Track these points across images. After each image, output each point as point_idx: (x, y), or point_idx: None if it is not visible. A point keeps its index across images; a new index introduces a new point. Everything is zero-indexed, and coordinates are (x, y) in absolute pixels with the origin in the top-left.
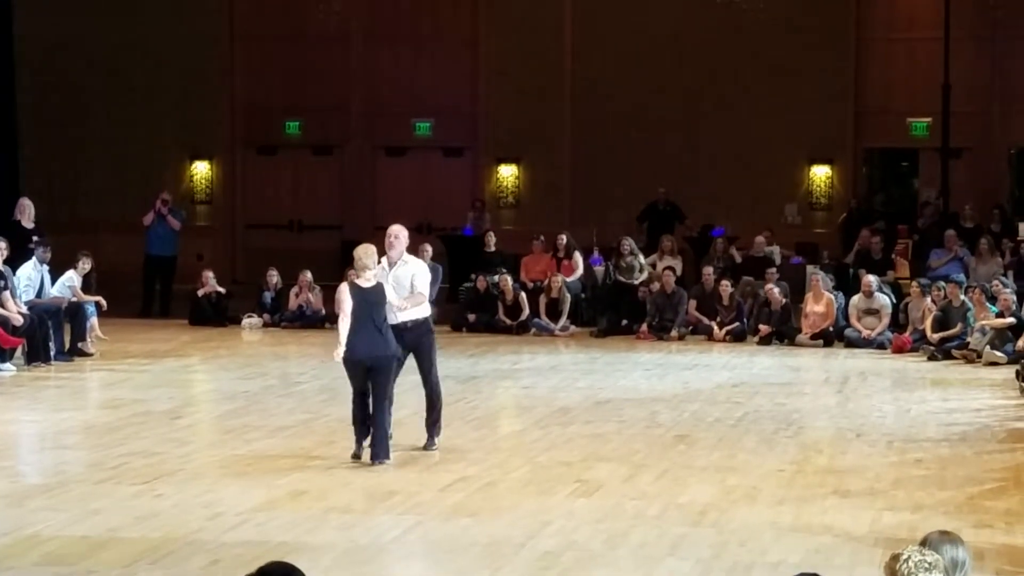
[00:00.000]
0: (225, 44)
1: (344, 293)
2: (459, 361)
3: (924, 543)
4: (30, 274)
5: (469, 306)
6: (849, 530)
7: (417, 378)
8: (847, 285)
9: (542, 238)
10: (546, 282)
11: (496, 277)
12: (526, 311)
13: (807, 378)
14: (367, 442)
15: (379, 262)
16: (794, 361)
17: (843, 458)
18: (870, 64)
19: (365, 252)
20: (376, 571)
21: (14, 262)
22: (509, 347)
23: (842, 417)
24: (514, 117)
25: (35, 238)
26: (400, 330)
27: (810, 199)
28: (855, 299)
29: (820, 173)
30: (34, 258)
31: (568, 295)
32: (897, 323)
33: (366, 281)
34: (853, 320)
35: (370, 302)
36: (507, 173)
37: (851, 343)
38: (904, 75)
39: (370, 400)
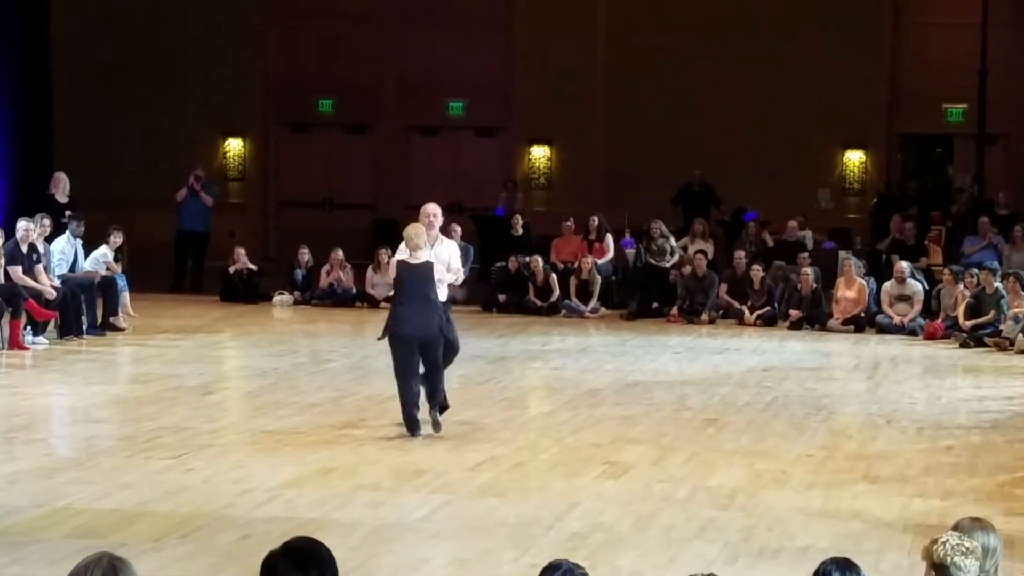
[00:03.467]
0: (259, 22)
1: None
2: (489, 341)
3: (956, 529)
4: (63, 248)
5: (500, 286)
6: (879, 516)
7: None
8: (879, 271)
9: (572, 220)
10: (576, 264)
11: (527, 258)
12: (556, 292)
13: (838, 363)
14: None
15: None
16: (825, 346)
17: (873, 444)
18: (905, 49)
19: (416, 232)
20: (403, 549)
21: (48, 236)
22: (539, 328)
23: (872, 403)
24: (547, 98)
25: (68, 213)
26: None
27: (843, 184)
28: (887, 285)
29: (854, 158)
30: (67, 232)
31: (599, 277)
32: (929, 310)
33: (415, 258)
34: (885, 306)
35: (420, 279)
36: (539, 154)
37: (882, 329)
38: (940, 60)
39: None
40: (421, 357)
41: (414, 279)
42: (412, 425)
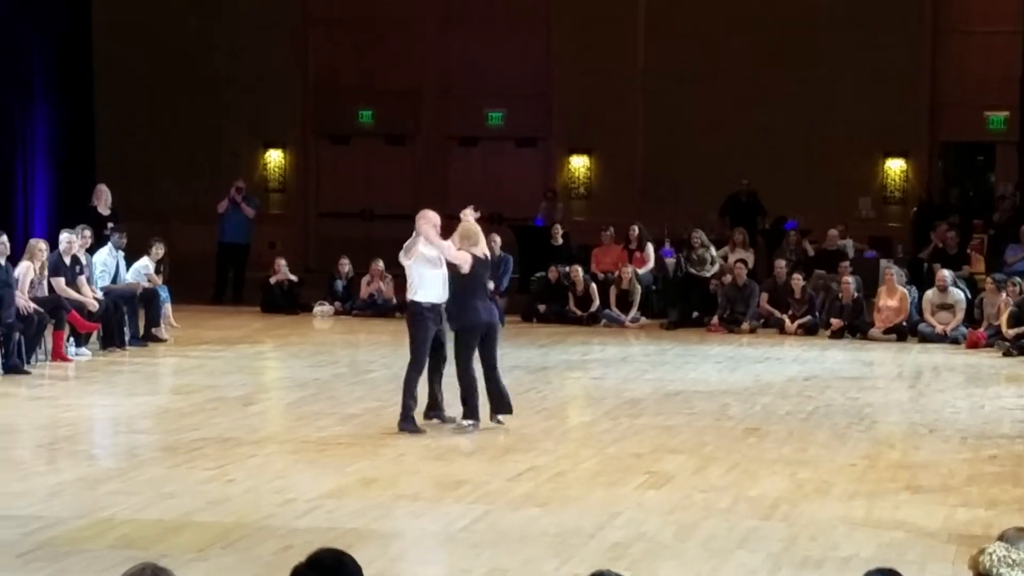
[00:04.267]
0: (299, 32)
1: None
2: (529, 351)
3: (1001, 539)
4: (106, 260)
5: (540, 296)
6: (922, 526)
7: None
8: (921, 280)
9: (612, 229)
10: (616, 273)
11: (567, 268)
12: (596, 302)
13: (880, 372)
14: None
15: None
16: (866, 355)
17: (916, 453)
18: (946, 57)
19: (474, 227)
20: (445, 559)
21: (90, 248)
22: (579, 338)
23: (915, 412)
24: (586, 107)
25: (111, 224)
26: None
27: (884, 193)
28: (929, 294)
29: (894, 167)
30: (110, 244)
31: (639, 286)
32: (971, 318)
33: (480, 252)
34: (927, 315)
35: (482, 273)
36: (579, 164)
37: (924, 338)
38: (980, 68)
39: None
40: (480, 351)
41: (483, 272)
42: (476, 414)
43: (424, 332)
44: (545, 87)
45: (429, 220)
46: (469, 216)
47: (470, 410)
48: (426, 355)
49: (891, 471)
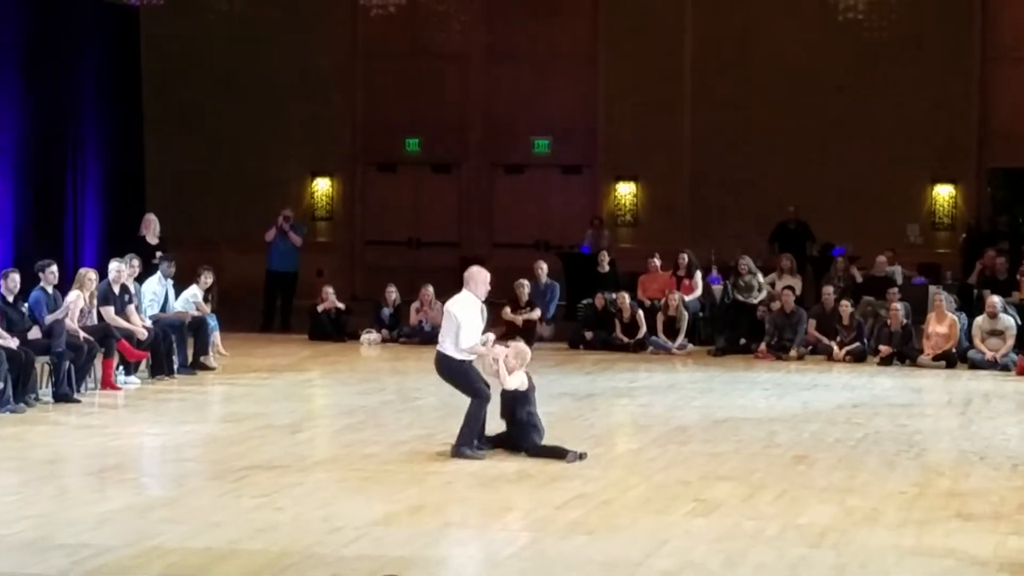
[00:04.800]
0: (346, 62)
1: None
2: (576, 378)
3: None
4: (155, 289)
5: (586, 323)
6: (972, 554)
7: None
8: (970, 306)
9: (658, 256)
10: (664, 300)
11: (614, 295)
12: (643, 329)
13: (929, 399)
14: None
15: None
16: (916, 382)
17: (966, 481)
18: (995, 83)
19: (526, 349)
20: None
21: (139, 277)
22: (626, 365)
23: (965, 439)
24: (632, 135)
25: (159, 253)
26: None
27: (933, 219)
28: (979, 320)
29: (943, 193)
30: (159, 273)
31: (686, 313)
32: (1022, 345)
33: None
34: (976, 341)
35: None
36: (625, 191)
37: (974, 364)
38: None
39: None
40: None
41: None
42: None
43: (469, 372)
44: (591, 115)
45: (482, 282)
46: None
47: (557, 450)
48: (483, 385)
49: (941, 499)
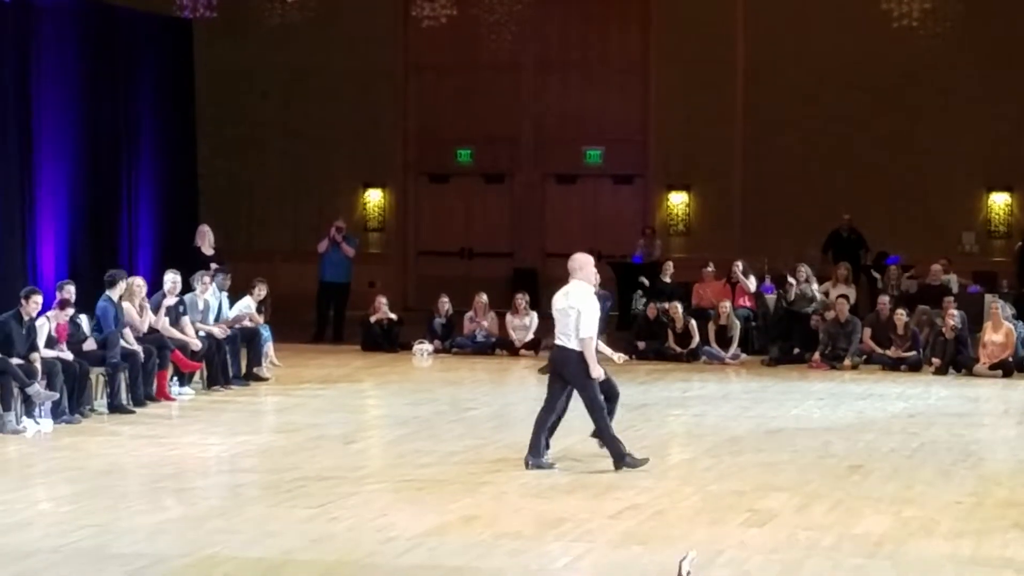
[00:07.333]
0: (398, 74)
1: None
2: (629, 388)
3: None
4: (208, 300)
5: (639, 333)
6: None
7: (577, 404)
8: None
9: (712, 265)
10: (715, 310)
11: (666, 304)
12: (696, 339)
13: (985, 409)
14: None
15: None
16: (972, 391)
17: None
18: None
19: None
20: None
21: (194, 288)
22: (679, 375)
23: (1022, 449)
24: (684, 144)
25: (214, 265)
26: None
27: (988, 227)
28: None
29: (999, 201)
30: (213, 284)
31: (737, 322)
32: None
33: None
34: None
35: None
36: (677, 200)
37: None
38: None
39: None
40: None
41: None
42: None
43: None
44: (643, 125)
45: (593, 267)
46: None
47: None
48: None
49: (999, 509)
